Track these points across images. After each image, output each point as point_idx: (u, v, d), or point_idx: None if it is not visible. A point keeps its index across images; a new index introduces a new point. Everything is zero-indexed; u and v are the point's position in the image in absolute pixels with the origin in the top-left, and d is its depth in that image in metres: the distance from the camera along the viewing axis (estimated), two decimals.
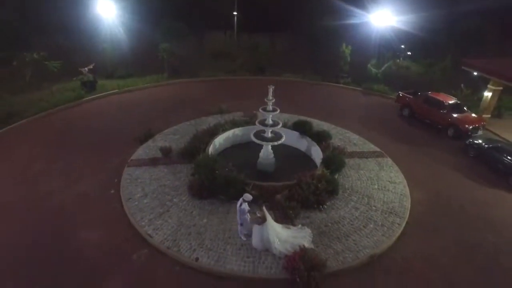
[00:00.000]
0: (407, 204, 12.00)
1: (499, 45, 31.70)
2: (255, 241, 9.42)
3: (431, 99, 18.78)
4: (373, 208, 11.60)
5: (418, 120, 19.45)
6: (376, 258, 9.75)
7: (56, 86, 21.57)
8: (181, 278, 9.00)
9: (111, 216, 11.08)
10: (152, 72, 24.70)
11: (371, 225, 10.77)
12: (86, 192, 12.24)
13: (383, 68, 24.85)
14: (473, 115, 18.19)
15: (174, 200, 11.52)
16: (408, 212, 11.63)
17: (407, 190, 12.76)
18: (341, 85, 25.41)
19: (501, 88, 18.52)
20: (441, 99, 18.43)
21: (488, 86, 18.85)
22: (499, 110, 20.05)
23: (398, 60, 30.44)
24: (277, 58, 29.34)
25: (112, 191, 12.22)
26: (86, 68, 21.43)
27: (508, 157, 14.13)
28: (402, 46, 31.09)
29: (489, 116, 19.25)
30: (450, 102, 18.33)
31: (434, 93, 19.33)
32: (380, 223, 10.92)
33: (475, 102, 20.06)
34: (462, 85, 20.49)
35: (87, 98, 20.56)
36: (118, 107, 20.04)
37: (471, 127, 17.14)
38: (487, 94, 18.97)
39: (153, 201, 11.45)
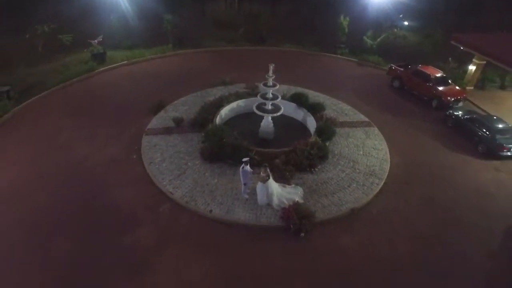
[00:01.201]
0: (387, 167, 14.10)
1: (499, 15, 32.25)
2: (260, 197, 11.59)
3: (419, 72, 20.26)
4: (357, 171, 13.70)
5: (407, 92, 21.02)
6: (356, 211, 11.99)
7: (67, 58, 22.84)
8: (199, 226, 11.26)
9: (137, 177, 13.17)
10: (157, 43, 25.72)
11: (354, 185, 12.94)
12: (112, 157, 14.24)
13: (378, 40, 25.85)
14: (457, 88, 19.80)
15: (189, 164, 13.57)
16: (387, 174, 13.76)
17: (388, 156, 14.81)
18: (338, 55, 26.57)
19: (484, 62, 19.93)
20: (428, 72, 19.92)
21: (473, 60, 20.27)
22: (482, 82, 21.60)
23: (395, 30, 31.18)
24: (277, 28, 30.08)
25: (135, 156, 14.23)
26: (95, 40, 22.54)
27: (481, 127, 16.01)
28: (401, 16, 31.68)
29: (472, 88, 20.87)
30: (437, 75, 19.83)
31: (423, 66, 20.75)
32: (361, 183, 13.07)
33: (460, 74, 21.54)
34: (450, 58, 21.83)
35: (99, 70, 21.92)
36: (129, 79, 21.47)
37: (453, 99, 18.83)
38: (472, 67, 20.45)
39: (171, 164, 13.50)
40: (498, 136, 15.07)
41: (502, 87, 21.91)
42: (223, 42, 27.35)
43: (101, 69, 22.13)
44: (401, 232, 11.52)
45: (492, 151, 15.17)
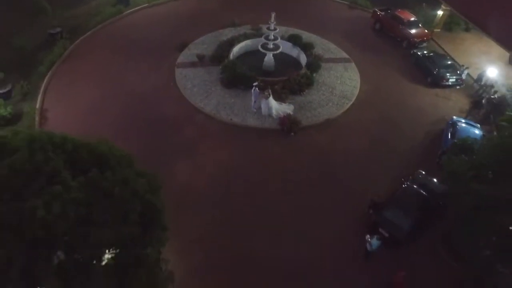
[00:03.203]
0: (356, 92, 19.35)
1: None
2: (263, 109, 17.08)
3: (395, 16, 24.25)
4: (334, 94, 18.98)
5: (386, 34, 25.14)
6: (329, 121, 17.56)
7: (95, 1, 26.35)
8: (224, 128, 16.93)
9: (176, 98, 18.43)
10: None
11: (330, 104, 18.34)
12: (155, 84, 19.27)
13: None
14: (426, 31, 24.02)
15: (212, 89, 18.75)
16: (355, 97, 19.06)
17: (358, 84, 19.93)
18: None
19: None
20: (402, 16, 23.94)
21: (442, 6, 24.16)
22: (450, 25, 25.67)
23: None
24: None
25: (172, 84, 19.30)
26: None
27: (432, 64, 20.81)
28: None
29: (439, 30, 25.08)
30: (410, 19, 23.88)
31: (400, 11, 24.63)
32: (336, 103, 18.46)
33: (431, 18, 25.51)
34: (424, 4, 25.63)
35: (126, 13, 25.64)
36: (152, 20, 25.27)
37: (419, 40, 23.25)
38: (440, 12, 24.43)
39: (199, 89, 18.67)
40: (442, 70, 20.05)
41: (467, 29, 25.99)
42: None
43: (128, 11, 25.85)
44: (359, 135, 17.24)
45: (436, 82, 20.27)
